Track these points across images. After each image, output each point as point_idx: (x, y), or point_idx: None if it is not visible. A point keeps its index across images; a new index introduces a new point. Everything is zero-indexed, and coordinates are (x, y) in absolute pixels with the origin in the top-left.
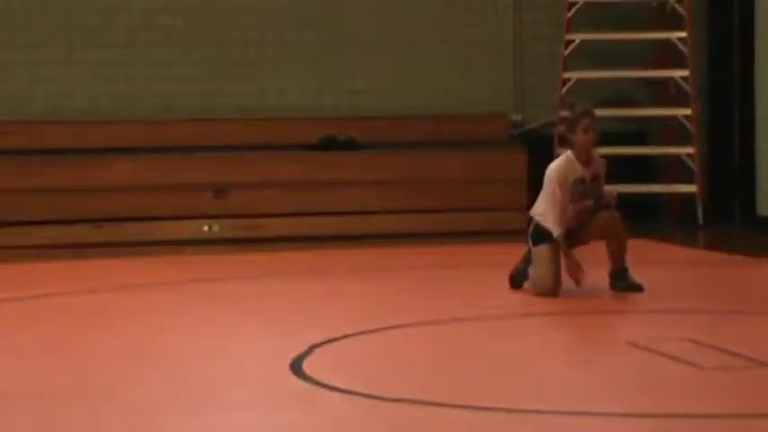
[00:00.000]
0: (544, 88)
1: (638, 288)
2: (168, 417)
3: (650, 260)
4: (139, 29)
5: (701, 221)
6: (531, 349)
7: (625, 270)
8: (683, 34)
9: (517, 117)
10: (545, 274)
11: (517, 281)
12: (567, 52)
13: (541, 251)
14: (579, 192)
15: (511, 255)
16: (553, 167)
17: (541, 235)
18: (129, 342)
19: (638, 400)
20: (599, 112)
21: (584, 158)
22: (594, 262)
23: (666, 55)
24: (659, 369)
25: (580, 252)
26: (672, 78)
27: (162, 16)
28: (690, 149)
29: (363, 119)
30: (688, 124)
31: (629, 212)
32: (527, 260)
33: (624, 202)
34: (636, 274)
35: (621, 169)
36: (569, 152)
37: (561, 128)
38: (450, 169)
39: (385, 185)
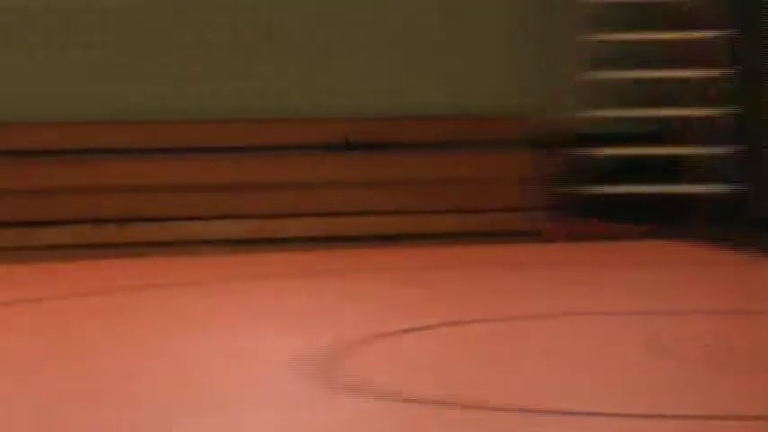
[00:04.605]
0: (564, 89)
1: None
2: (171, 418)
3: (653, 260)
4: (138, 29)
5: (727, 222)
6: (535, 350)
7: None
8: (711, 34)
9: (535, 118)
10: None
11: None
12: (589, 53)
13: None
14: None
15: (517, 256)
16: None
17: None
18: (138, 344)
19: (638, 400)
20: (621, 113)
21: None
22: (599, 261)
23: (695, 54)
24: (660, 369)
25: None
26: (700, 78)
27: (161, 16)
28: (719, 150)
29: (365, 119)
30: (716, 124)
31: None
32: None
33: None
34: (636, 274)
35: (648, 169)
36: None
37: None
38: (457, 170)
39: (387, 186)
